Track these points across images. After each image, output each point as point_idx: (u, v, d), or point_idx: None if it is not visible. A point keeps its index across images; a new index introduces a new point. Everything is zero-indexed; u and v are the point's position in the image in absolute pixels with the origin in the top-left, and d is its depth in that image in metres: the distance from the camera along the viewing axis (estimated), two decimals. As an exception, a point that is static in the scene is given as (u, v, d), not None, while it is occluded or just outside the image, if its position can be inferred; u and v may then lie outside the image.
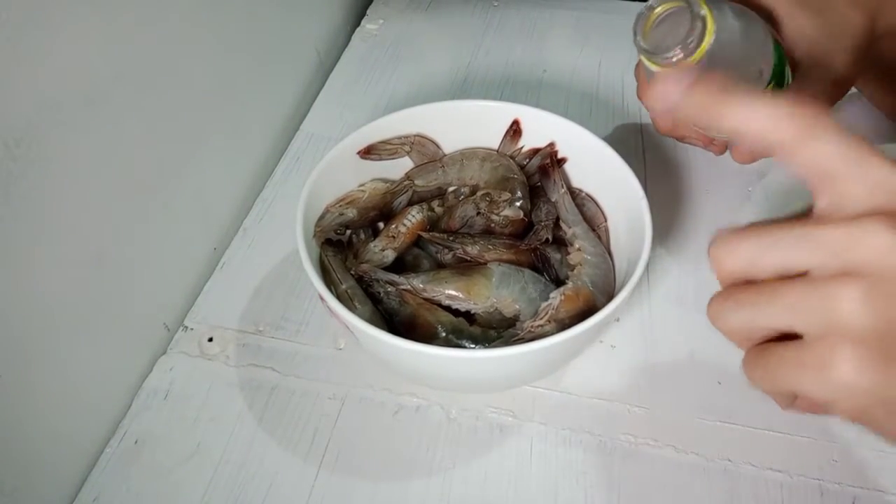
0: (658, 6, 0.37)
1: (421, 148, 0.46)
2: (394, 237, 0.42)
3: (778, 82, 0.42)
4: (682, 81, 0.26)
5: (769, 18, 0.43)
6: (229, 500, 0.38)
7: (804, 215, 0.25)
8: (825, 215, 0.24)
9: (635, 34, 0.38)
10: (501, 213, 0.43)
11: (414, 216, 0.43)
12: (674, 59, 0.36)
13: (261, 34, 0.56)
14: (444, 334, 0.38)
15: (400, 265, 0.43)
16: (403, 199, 0.46)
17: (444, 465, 0.39)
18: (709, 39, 0.36)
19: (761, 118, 0.24)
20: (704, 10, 0.36)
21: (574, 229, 0.43)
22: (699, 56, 0.36)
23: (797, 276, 0.23)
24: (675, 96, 0.26)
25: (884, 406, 0.23)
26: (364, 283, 0.40)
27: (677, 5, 0.37)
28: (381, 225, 0.45)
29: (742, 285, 0.25)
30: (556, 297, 0.38)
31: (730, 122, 0.25)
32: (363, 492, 0.38)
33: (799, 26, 0.43)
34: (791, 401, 0.26)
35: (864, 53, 0.44)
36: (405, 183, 0.46)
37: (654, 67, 0.38)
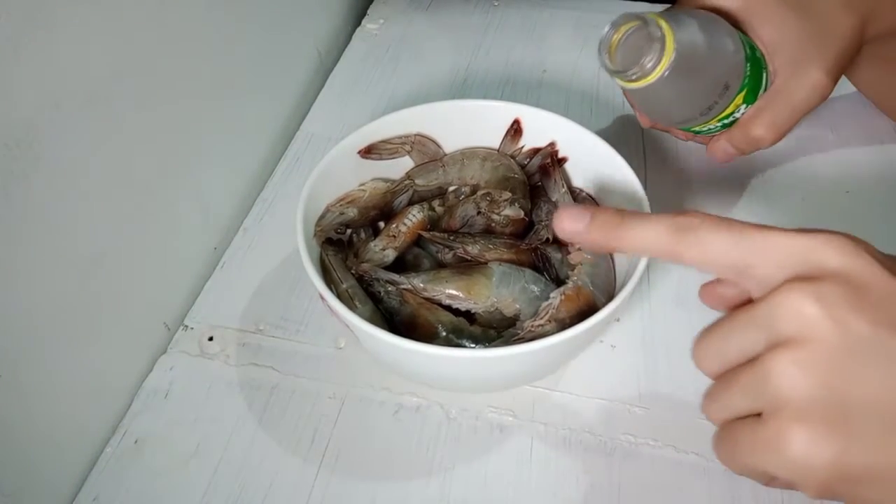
0: (617, 29, 0.38)
1: (421, 147, 0.46)
2: (394, 237, 0.42)
3: (751, 88, 0.42)
4: (581, 218, 0.29)
5: (754, 17, 0.43)
6: (229, 500, 0.38)
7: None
8: (757, 298, 0.25)
9: (600, 52, 0.39)
10: (502, 213, 0.43)
11: (414, 216, 0.43)
12: (634, 78, 0.38)
13: (261, 34, 0.56)
14: (444, 334, 0.38)
15: (400, 264, 0.43)
16: (404, 198, 0.46)
17: (444, 465, 0.39)
18: (666, 61, 0.37)
19: (649, 238, 0.27)
20: (662, 31, 0.37)
21: (574, 229, 0.42)
22: (658, 75, 0.38)
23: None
24: (577, 231, 0.29)
25: (846, 480, 0.22)
26: (364, 282, 0.40)
27: (635, 24, 0.38)
28: (381, 224, 0.45)
29: (718, 379, 0.26)
30: (556, 296, 0.38)
31: (626, 245, 0.28)
32: (363, 492, 0.38)
33: (784, 26, 0.43)
34: (768, 479, 0.26)
35: (851, 57, 0.44)
36: (405, 182, 0.46)
37: (621, 84, 0.40)
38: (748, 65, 0.41)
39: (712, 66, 0.40)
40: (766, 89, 0.44)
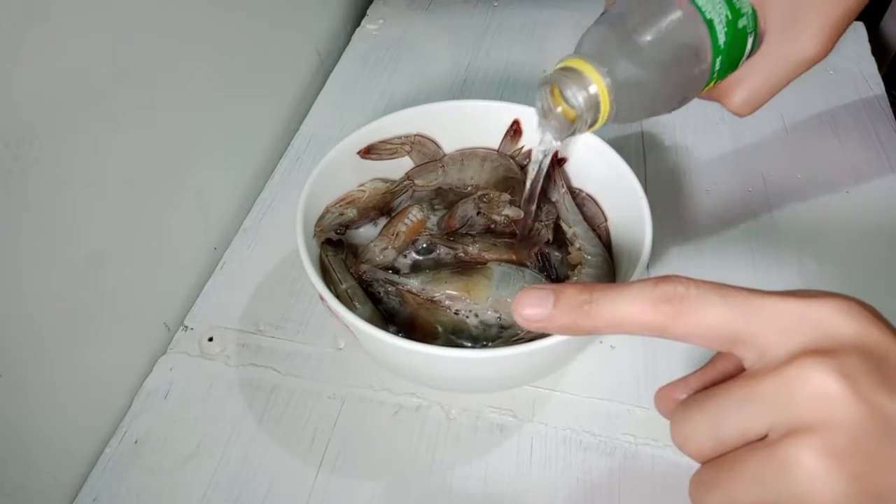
0: (551, 84, 0.34)
1: (421, 148, 0.46)
2: (394, 237, 0.42)
3: (728, 66, 0.37)
4: (543, 302, 0.24)
5: None
6: (229, 500, 0.38)
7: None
8: (756, 370, 0.22)
9: (537, 102, 0.35)
10: (502, 213, 0.43)
11: (415, 215, 0.43)
12: (577, 133, 0.35)
13: (261, 34, 0.56)
14: (443, 334, 0.38)
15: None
16: (403, 198, 0.46)
17: (444, 465, 0.39)
18: (605, 115, 0.34)
19: (628, 315, 0.23)
20: (595, 87, 0.33)
21: (574, 229, 0.42)
22: (602, 124, 0.34)
23: (759, 441, 0.21)
24: (541, 317, 0.24)
25: None
26: (364, 282, 0.40)
27: (563, 81, 0.33)
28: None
29: (712, 462, 0.23)
30: (556, 296, 0.38)
31: (601, 326, 0.24)
32: (363, 492, 0.38)
33: None
34: None
35: (861, 6, 0.37)
36: (405, 183, 0.46)
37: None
38: (718, 58, 0.36)
39: (667, 79, 0.35)
40: (751, 54, 0.38)
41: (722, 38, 0.35)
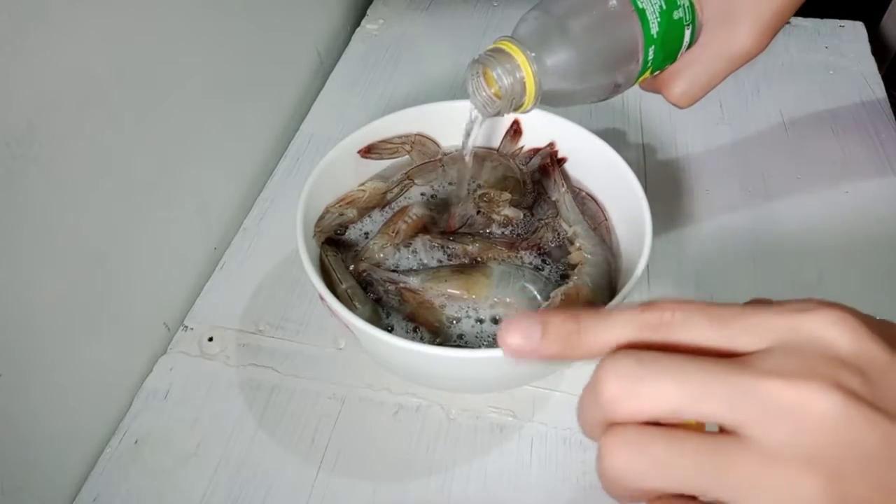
0: (481, 68, 0.35)
1: (421, 147, 0.46)
2: (394, 234, 0.42)
3: (664, 58, 0.37)
4: (531, 332, 0.23)
5: None
6: (229, 500, 0.38)
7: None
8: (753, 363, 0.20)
9: (467, 81, 0.36)
10: (502, 213, 0.43)
11: (414, 213, 0.43)
12: (502, 113, 0.35)
13: (261, 34, 0.56)
14: (444, 334, 0.38)
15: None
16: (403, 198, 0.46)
17: (444, 465, 0.39)
18: (530, 98, 0.34)
19: (615, 342, 0.22)
20: (522, 71, 0.33)
21: (574, 228, 0.42)
22: (528, 107, 0.35)
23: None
24: (530, 349, 0.23)
25: None
26: (364, 283, 0.40)
27: (493, 61, 0.34)
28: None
29: (654, 427, 0.20)
30: (556, 296, 0.38)
31: (590, 353, 0.23)
32: (363, 492, 0.38)
33: None
34: None
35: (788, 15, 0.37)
36: (405, 182, 0.46)
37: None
38: (650, 48, 0.36)
39: (592, 75, 0.35)
40: (689, 46, 0.38)
41: (654, 28, 0.35)
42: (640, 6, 0.35)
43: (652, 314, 0.22)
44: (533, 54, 0.34)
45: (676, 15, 0.36)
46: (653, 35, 0.35)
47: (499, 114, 0.36)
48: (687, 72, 0.38)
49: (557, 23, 0.34)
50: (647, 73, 0.37)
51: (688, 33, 0.37)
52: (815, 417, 0.19)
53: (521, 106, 0.35)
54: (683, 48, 0.38)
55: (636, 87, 0.39)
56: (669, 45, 0.36)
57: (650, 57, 0.36)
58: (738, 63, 0.38)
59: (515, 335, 0.23)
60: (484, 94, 0.36)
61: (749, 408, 0.19)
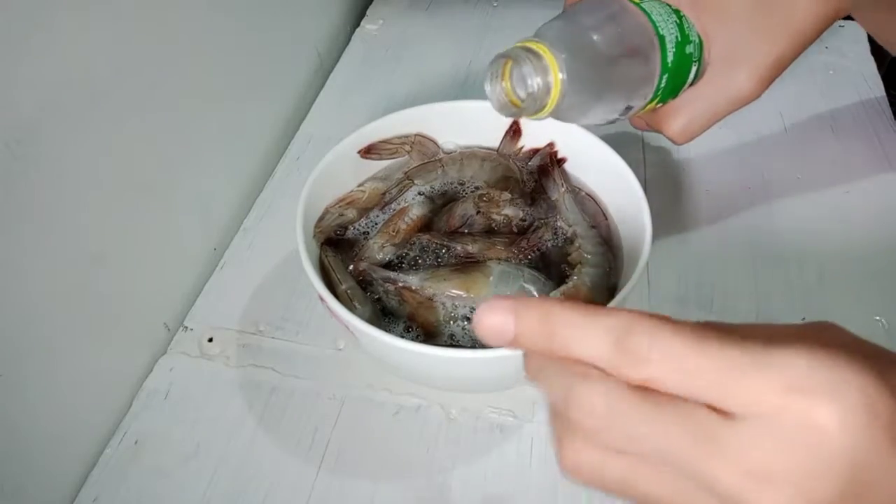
0: (503, 65, 0.34)
1: (421, 147, 0.46)
2: (394, 234, 0.42)
3: (670, 91, 0.38)
4: (503, 337, 0.22)
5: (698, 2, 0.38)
6: (229, 500, 0.38)
7: None
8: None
9: (486, 83, 0.35)
10: (501, 213, 0.43)
11: (414, 213, 0.43)
12: (523, 116, 0.35)
13: (261, 34, 0.56)
14: (443, 334, 0.38)
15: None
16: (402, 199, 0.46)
17: (444, 465, 0.39)
18: (553, 101, 0.34)
19: (587, 355, 0.21)
20: (551, 73, 0.33)
21: (574, 228, 0.42)
22: (546, 113, 0.34)
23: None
24: (507, 334, 0.22)
25: None
26: (363, 283, 0.40)
27: (520, 57, 0.33)
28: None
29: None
30: (555, 295, 0.38)
31: (565, 357, 0.22)
32: (363, 492, 0.38)
33: (725, 15, 0.37)
34: None
35: (800, 51, 0.38)
36: (405, 182, 0.46)
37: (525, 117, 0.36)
38: (664, 76, 0.36)
39: (610, 90, 0.35)
40: (693, 83, 0.39)
41: (670, 57, 0.36)
42: (661, 33, 0.36)
43: (630, 342, 0.20)
44: (564, 56, 0.33)
45: (688, 49, 0.37)
46: (668, 64, 0.36)
47: (517, 115, 0.36)
48: (687, 108, 0.39)
49: (583, 33, 0.34)
50: (653, 104, 0.38)
51: (693, 70, 0.38)
52: (802, 445, 0.17)
53: (542, 108, 0.34)
54: (687, 84, 0.38)
55: None
56: (678, 77, 0.37)
57: (662, 85, 0.37)
58: (737, 106, 0.39)
59: (488, 333, 0.23)
60: (501, 91, 0.35)
61: (703, 497, 0.19)
